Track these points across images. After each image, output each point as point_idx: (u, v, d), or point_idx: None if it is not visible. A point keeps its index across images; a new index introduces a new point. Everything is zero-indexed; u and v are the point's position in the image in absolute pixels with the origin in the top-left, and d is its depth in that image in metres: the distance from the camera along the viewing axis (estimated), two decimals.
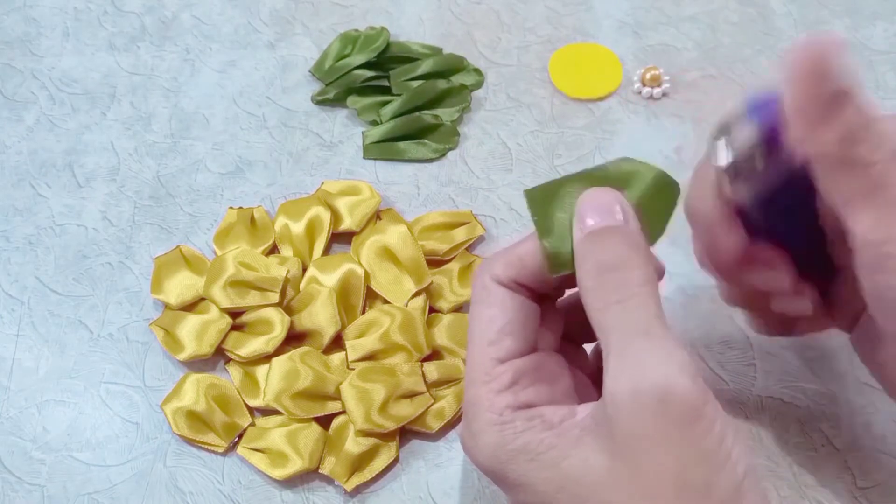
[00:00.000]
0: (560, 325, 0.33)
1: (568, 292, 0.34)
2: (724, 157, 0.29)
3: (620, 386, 0.26)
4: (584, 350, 0.35)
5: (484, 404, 0.30)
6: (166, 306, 0.44)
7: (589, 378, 0.34)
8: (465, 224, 0.46)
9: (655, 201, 0.30)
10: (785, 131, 0.27)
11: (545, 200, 0.30)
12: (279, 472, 0.39)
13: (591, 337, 0.34)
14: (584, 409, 0.29)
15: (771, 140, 0.28)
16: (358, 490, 0.40)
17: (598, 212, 0.29)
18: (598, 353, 0.36)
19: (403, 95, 0.51)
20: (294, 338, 0.42)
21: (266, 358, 0.42)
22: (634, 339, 0.27)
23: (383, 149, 0.50)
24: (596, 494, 0.27)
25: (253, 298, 0.42)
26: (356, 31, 0.54)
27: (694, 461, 0.26)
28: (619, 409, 0.26)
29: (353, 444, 0.39)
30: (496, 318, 0.31)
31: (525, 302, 0.31)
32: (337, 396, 0.40)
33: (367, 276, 0.43)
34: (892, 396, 0.33)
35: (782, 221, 0.31)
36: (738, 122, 0.28)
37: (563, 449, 0.28)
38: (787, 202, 0.30)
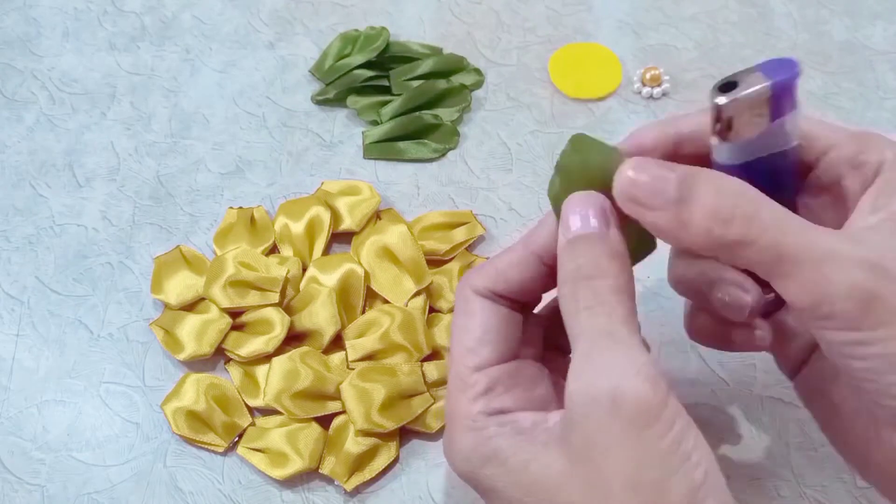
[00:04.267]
0: (540, 333, 0.34)
1: (545, 299, 0.34)
2: (723, 100, 0.28)
3: (577, 387, 0.27)
4: (567, 359, 0.36)
5: (460, 411, 0.30)
6: (166, 306, 0.44)
7: None
8: (465, 224, 0.46)
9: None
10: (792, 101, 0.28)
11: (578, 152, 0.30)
12: (279, 472, 0.39)
13: (564, 350, 0.35)
14: (557, 416, 0.29)
15: (779, 102, 0.28)
16: (358, 490, 0.40)
17: (580, 217, 0.29)
18: None
19: (403, 95, 0.51)
20: (294, 338, 0.42)
21: (266, 358, 0.42)
22: (596, 343, 0.27)
23: (383, 149, 0.50)
24: (555, 497, 0.27)
25: (253, 298, 0.42)
26: (356, 31, 0.54)
27: (647, 462, 0.26)
28: (575, 411, 0.27)
29: (353, 444, 0.39)
30: (473, 328, 0.31)
31: (504, 311, 0.32)
32: (337, 396, 0.40)
33: (367, 276, 0.43)
34: (837, 448, 0.32)
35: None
36: (750, 76, 0.28)
37: (529, 454, 0.28)
38: (769, 182, 0.29)
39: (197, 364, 0.43)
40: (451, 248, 0.45)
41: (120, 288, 0.46)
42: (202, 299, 0.44)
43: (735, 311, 0.30)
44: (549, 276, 0.31)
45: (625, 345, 0.27)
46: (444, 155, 0.50)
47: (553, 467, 0.27)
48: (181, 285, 0.44)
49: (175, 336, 0.43)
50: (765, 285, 0.29)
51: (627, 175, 0.28)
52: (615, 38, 0.54)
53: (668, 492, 0.26)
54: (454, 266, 0.45)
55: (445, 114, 0.51)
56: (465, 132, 0.51)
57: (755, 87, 0.28)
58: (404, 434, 0.41)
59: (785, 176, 0.30)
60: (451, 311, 0.44)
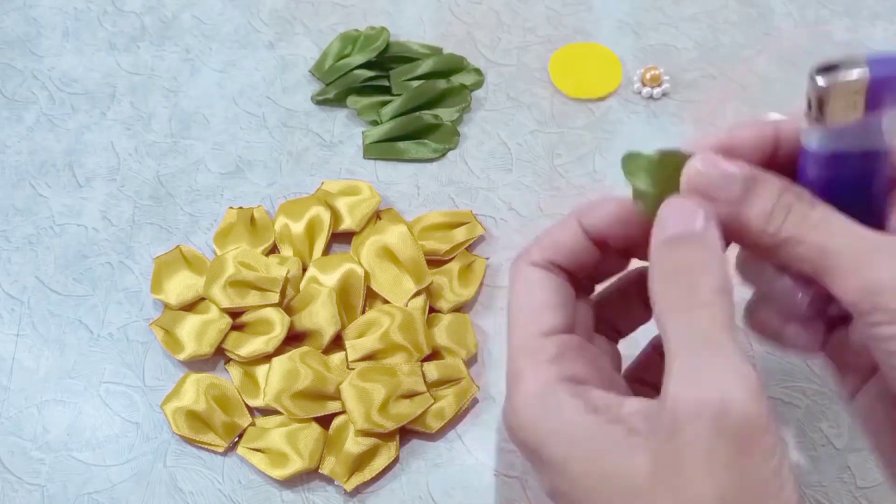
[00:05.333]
0: (590, 317, 0.33)
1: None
2: (820, 80, 0.27)
3: (681, 394, 0.25)
4: (615, 348, 0.35)
5: (527, 375, 0.29)
6: (166, 306, 0.44)
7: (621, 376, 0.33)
8: (465, 224, 0.46)
9: None
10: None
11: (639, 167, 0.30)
12: (279, 472, 0.39)
13: (621, 333, 0.34)
14: (634, 404, 0.27)
15: (877, 94, 0.27)
16: (358, 490, 0.40)
17: (679, 218, 0.28)
18: (645, 356, 0.35)
19: (403, 95, 0.51)
20: (294, 338, 0.42)
21: (266, 358, 0.42)
22: (701, 349, 0.26)
23: (383, 149, 0.50)
24: (636, 498, 0.26)
25: (253, 298, 0.42)
26: (356, 31, 0.54)
27: (745, 486, 0.25)
28: (675, 418, 0.25)
29: (353, 444, 0.39)
30: (534, 295, 0.30)
31: (560, 281, 0.31)
32: (337, 396, 0.40)
33: (367, 276, 0.43)
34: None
35: (838, 196, 0.29)
36: (853, 62, 0.27)
37: (608, 443, 0.27)
38: (856, 181, 0.28)
39: (197, 364, 0.43)
40: (451, 248, 0.45)
41: (120, 288, 0.46)
42: (202, 299, 0.44)
43: (795, 301, 0.30)
44: (596, 253, 0.31)
45: (730, 354, 0.26)
46: (444, 155, 0.50)
47: (637, 467, 0.26)
48: (181, 285, 0.44)
49: (175, 336, 0.43)
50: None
51: (696, 167, 0.29)
52: (615, 38, 0.54)
53: None
54: (454, 266, 0.45)
55: (445, 114, 0.51)
56: (465, 132, 0.51)
57: (854, 72, 0.27)
58: (404, 434, 0.41)
59: (874, 177, 0.29)
60: (451, 311, 0.44)
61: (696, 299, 0.27)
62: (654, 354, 0.34)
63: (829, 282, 0.27)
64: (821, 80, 0.27)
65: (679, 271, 0.27)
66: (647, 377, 0.33)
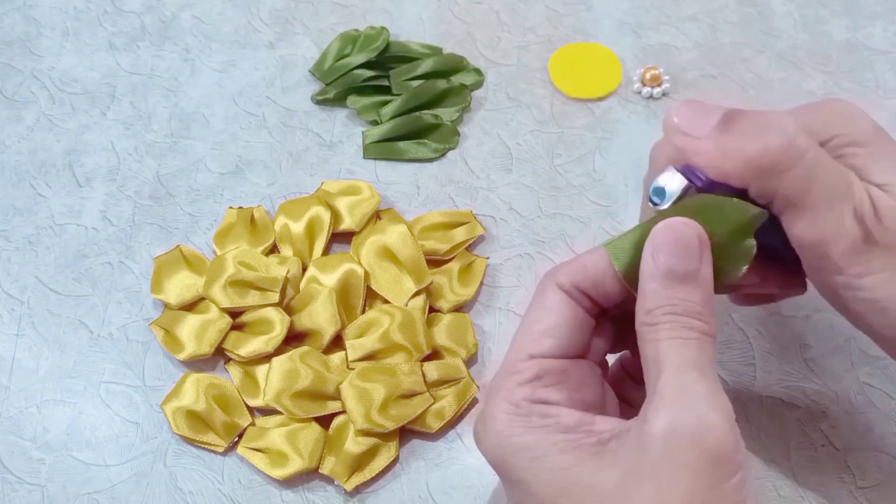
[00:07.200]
0: (610, 338, 0.34)
1: None
2: (665, 205, 0.32)
3: (664, 417, 0.27)
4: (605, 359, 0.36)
5: (502, 392, 0.30)
6: (166, 306, 0.44)
7: (611, 386, 0.34)
8: (464, 224, 0.46)
9: (733, 241, 0.31)
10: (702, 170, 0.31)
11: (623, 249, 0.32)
12: (279, 472, 0.39)
13: (619, 348, 0.35)
14: (605, 423, 0.29)
15: (697, 179, 0.32)
16: (358, 490, 0.40)
17: (674, 249, 0.30)
18: (622, 364, 0.36)
19: (403, 95, 0.51)
20: (294, 338, 0.42)
21: (266, 358, 0.42)
22: (687, 375, 0.28)
23: (383, 148, 0.50)
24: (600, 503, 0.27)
25: (253, 298, 0.42)
26: (356, 30, 0.54)
27: (712, 497, 0.27)
28: (656, 435, 0.27)
29: (353, 444, 0.39)
30: (544, 319, 0.31)
31: (578, 312, 0.32)
32: (337, 396, 0.40)
33: (367, 275, 0.43)
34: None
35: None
36: (667, 176, 0.32)
37: (573, 457, 0.28)
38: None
39: (197, 364, 0.43)
40: (451, 248, 0.45)
41: (120, 288, 0.46)
42: (202, 299, 0.44)
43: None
44: (623, 287, 0.32)
45: (712, 383, 0.28)
46: (444, 155, 0.50)
47: (604, 476, 0.28)
48: (181, 285, 0.44)
49: (175, 336, 0.43)
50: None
51: (677, 110, 0.31)
52: (615, 37, 0.54)
53: None
54: (454, 266, 0.45)
55: (445, 114, 0.51)
56: (465, 132, 0.51)
57: (676, 186, 0.31)
58: (404, 434, 0.41)
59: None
60: (451, 310, 0.44)
61: (688, 333, 0.29)
62: (622, 371, 0.36)
63: (793, 218, 0.30)
64: (664, 205, 0.32)
65: (676, 312, 0.29)
66: (615, 390, 0.34)
